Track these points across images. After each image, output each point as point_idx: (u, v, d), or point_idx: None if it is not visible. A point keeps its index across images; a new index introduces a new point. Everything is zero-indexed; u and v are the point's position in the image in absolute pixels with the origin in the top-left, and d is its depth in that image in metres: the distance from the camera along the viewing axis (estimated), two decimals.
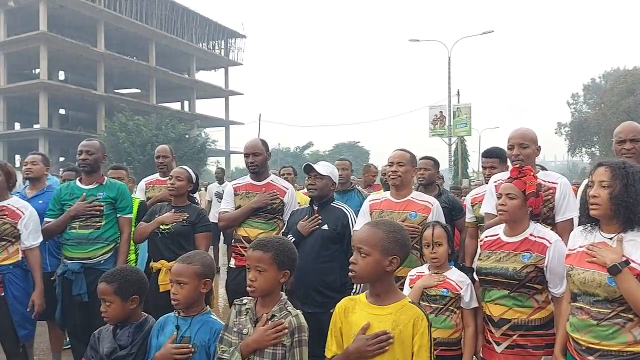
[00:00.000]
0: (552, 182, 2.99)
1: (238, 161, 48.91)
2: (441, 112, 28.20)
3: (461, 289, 2.69)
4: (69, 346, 4.38)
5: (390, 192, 3.32)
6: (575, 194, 3.01)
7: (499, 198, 2.56)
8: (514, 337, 2.44)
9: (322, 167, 3.50)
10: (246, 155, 3.89)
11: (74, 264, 3.61)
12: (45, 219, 3.72)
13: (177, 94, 44.09)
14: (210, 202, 9.44)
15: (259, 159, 3.85)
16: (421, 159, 4.21)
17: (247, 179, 3.96)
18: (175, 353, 2.16)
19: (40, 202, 3.97)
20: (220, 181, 9.88)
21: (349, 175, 5.34)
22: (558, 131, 47.53)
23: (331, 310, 3.18)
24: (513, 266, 2.44)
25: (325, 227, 3.38)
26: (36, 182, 4.30)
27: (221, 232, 8.35)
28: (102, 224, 3.69)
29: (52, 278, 3.77)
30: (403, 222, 3.05)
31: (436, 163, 4.40)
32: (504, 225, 2.61)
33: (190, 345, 2.19)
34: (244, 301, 2.16)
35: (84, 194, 3.71)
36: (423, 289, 2.70)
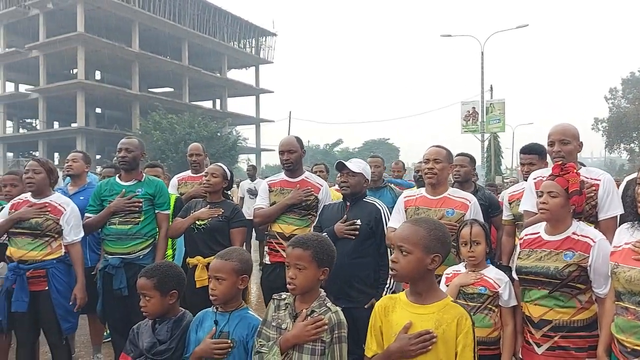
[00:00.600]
0: (595, 179, 2.90)
1: (268, 158, 49.31)
2: (474, 108, 27.73)
3: (499, 287, 2.64)
4: (109, 339, 4.50)
5: (425, 189, 3.27)
6: None
7: (540, 196, 2.49)
8: (556, 338, 2.38)
9: (355, 165, 3.48)
10: (281, 153, 3.91)
11: (115, 259, 3.69)
12: (86, 215, 3.82)
13: (209, 93, 44.66)
14: (242, 198, 9.53)
15: (293, 156, 3.87)
16: (457, 155, 4.15)
17: (282, 176, 3.98)
18: (214, 348, 2.19)
19: (82, 198, 4.09)
20: (252, 178, 9.97)
21: (381, 172, 5.30)
22: (595, 127, 46.21)
23: (365, 306, 3.22)
24: (555, 265, 2.38)
25: (359, 222, 3.36)
26: (77, 179, 4.43)
27: (253, 229, 8.42)
28: (141, 219, 3.77)
29: (92, 273, 3.87)
30: (440, 219, 3.01)
31: (472, 160, 4.33)
32: (544, 223, 2.54)
33: (229, 341, 2.21)
34: (283, 296, 2.17)
35: (123, 190, 3.80)
36: (460, 287, 2.66)
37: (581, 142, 3.05)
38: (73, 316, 3.59)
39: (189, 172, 5.09)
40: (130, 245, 3.73)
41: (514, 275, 2.61)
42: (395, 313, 1.92)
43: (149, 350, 2.29)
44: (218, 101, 46.00)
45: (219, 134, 31.04)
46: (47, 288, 3.45)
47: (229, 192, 4.18)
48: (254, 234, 9.33)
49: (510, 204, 3.79)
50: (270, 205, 3.86)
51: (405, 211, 3.23)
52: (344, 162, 3.48)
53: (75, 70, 35.68)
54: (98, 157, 36.24)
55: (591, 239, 2.38)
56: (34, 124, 41.09)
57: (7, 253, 3.51)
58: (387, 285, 3.31)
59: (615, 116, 43.48)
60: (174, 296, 2.40)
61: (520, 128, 43.34)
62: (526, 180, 3.63)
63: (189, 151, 5.10)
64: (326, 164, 6.90)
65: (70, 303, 3.50)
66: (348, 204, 3.50)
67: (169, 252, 4.39)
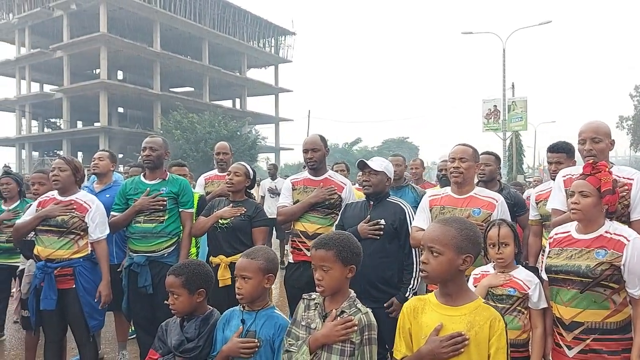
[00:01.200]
0: (628, 178, 2.82)
1: (287, 157, 49.45)
2: (495, 106, 27.40)
3: (529, 288, 2.58)
4: (134, 336, 4.55)
5: (451, 188, 3.22)
6: None
7: (571, 195, 2.44)
8: (587, 341, 2.33)
9: (377, 163, 3.44)
10: (305, 151, 3.90)
11: (139, 257, 3.73)
12: (112, 213, 3.86)
13: (229, 92, 44.96)
14: (263, 197, 9.57)
15: (317, 155, 3.85)
16: (482, 154, 4.08)
17: (305, 174, 3.97)
18: (242, 347, 2.19)
19: (107, 196, 4.14)
20: (273, 177, 10.01)
21: (402, 171, 5.25)
22: (620, 125, 45.33)
23: (384, 304, 3.19)
24: (586, 263, 2.32)
25: (383, 222, 3.32)
26: (103, 177, 4.49)
27: (274, 227, 8.44)
28: (165, 218, 3.80)
29: (118, 270, 3.91)
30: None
31: (497, 158, 4.27)
32: (575, 222, 2.48)
33: (256, 340, 2.20)
34: (313, 296, 2.16)
35: (148, 189, 3.83)
36: (489, 288, 2.62)
37: (613, 140, 2.98)
38: (99, 314, 3.61)
39: (215, 171, 5.13)
40: (155, 244, 3.76)
41: (543, 275, 2.56)
42: (425, 315, 1.89)
43: (177, 348, 2.30)
44: (238, 100, 46.26)
45: (238, 133, 31.21)
46: (74, 286, 3.47)
47: (251, 191, 4.19)
48: (274, 232, 9.36)
49: (537, 203, 3.72)
50: (294, 204, 3.85)
51: (430, 210, 3.18)
52: (365, 160, 3.44)
53: (98, 70, 36.18)
54: (120, 156, 36.64)
55: (625, 237, 2.32)
56: (58, 124, 41.82)
57: (35, 252, 3.56)
58: (410, 286, 3.27)
59: None
60: (202, 295, 2.40)
61: (543, 126, 42.77)
62: (553, 179, 3.56)
63: (215, 149, 5.14)
64: (346, 162, 6.88)
65: (96, 300, 3.52)
66: (371, 203, 3.46)
67: (193, 250, 4.41)
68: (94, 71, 38.64)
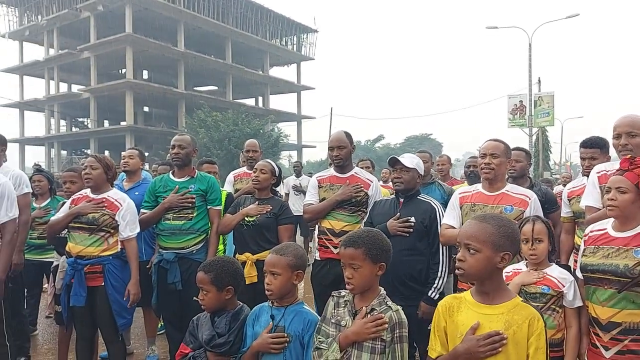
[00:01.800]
0: None
1: (309, 155, 49.48)
2: (521, 101, 26.94)
3: (563, 286, 2.52)
4: (162, 331, 4.61)
5: (482, 184, 3.16)
6: None
7: (607, 192, 2.36)
8: (626, 342, 2.25)
9: (408, 160, 3.39)
10: (330, 149, 3.88)
11: (169, 254, 3.77)
12: (141, 211, 3.90)
13: (251, 90, 45.24)
14: (287, 195, 9.59)
15: (343, 152, 3.83)
16: (512, 149, 4.01)
17: (331, 171, 3.95)
18: (272, 342, 2.19)
19: (136, 194, 4.19)
20: (298, 174, 10.04)
21: (429, 167, 5.19)
22: None
23: (417, 304, 3.16)
24: (624, 262, 2.25)
25: (413, 219, 3.28)
26: (132, 175, 4.56)
27: (298, 224, 8.46)
28: (194, 215, 3.83)
29: (147, 267, 3.96)
30: None
31: (528, 155, 4.17)
32: (611, 219, 2.41)
33: (286, 335, 2.21)
34: (342, 293, 2.14)
35: (177, 186, 3.87)
36: (521, 286, 2.57)
37: None
38: (128, 312, 3.60)
39: (244, 169, 5.16)
40: (183, 241, 3.80)
41: (578, 274, 2.50)
42: (460, 313, 1.85)
43: (208, 343, 2.32)
44: (260, 98, 46.53)
45: (261, 131, 31.39)
46: (103, 284, 3.48)
47: (277, 189, 4.20)
48: (298, 229, 9.37)
49: (570, 200, 3.63)
50: (320, 202, 3.84)
51: (460, 208, 3.13)
52: (397, 157, 3.40)
53: (123, 70, 36.82)
54: (146, 154, 37.20)
55: None
56: (85, 123, 42.68)
57: (67, 248, 3.61)
58: (435, 286, 3.23)
59: None
60: (230, 292, 2.42)
61: (570, 122, 41.89)
62: (586, 176, 3.47)
63: (245, 147, 5.18)
64: (371, 159, 6.86)
65: (125, 299, 3.52)
66: (401, 200, 3.43)
67: (220, 247, 4.45)
68: (120, 71, 39.31)
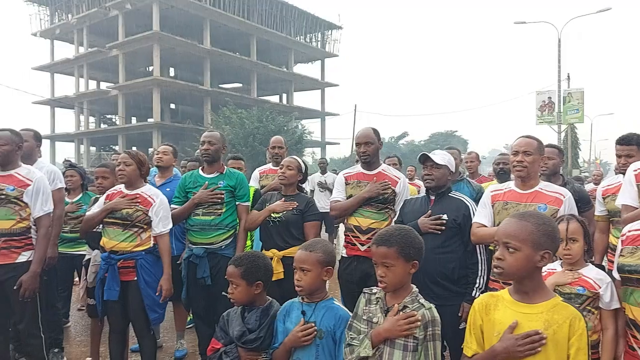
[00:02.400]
0: None
1: (333, 152, 49.46)
2: (550, 98, 26.40)
3: (600, 287, 2.46)
4: (191, 325, 4.67)
5: (514, 182, 3.10)
6: None
7: None
8: None
9: (439, 156, 3.33)
10: (358, 145, 3.85)
11: (198, 249, 3.81)
12: (172, 206, 3.94)
13: (276, 87, 45.38)
14: (312, 191, 9.60)
15: (371, 149, 3.79)
16: (545, 147, 3.93)
17: (358, 168, 3.92)
18: (302, 335, 2.19)
19: (168, 189, 4.26)
20: (323, 171, 10.04)
21: (458, 165, 5.13)
22: None
23: (449, 303, 3.11)
24: None
25: (445, 217, 3.23)
26: (164, 171, 4.63)
27: (322, 221, 8.47)
28: (223, 211, 3.86)
29: (177, 262, 4.01)
30: None
31: (561, 152, 4.07)
32: None
33: (313, 324, 2.21)
34: (374, 290, 2.14)
35: (206, 182, 3.91)
36: (556, 287, 2.51)
37: None
38: (160, 307, 3.64)
39: (270, 165, 5.18)
40: (213, 236, 3.83)
41: (615, 274, 2.43)
42: (498, 312, 1.82)
43: (239, 339, 2.33)
44: (285, 95, 46.64)
45: (285, 128, 31.46)
46: (135, 278, 3.52)
47: (303, 185, 4.21)
48: (323, 226, 9.38)
49: (604, 198, 3.54)
50: (347, 199, 3.82)
51: (492, 206, 3.07)
52: (427, 154, 3.35)
53: (151, 68, 37.32)
54: None
55: None
56: (113, 120, 43.45)
57: (101, 243, 3.67)
58: (477, 285, 3.16)
59: None
60: (260, 287, 2.42)
61: (600, 119, 40.91)
62: (622, 174, 3.38)
63: (271, 143, 5.19)
64: (398, 156, 6.82)
65: (157, 294, 3.55)
66: (432, 198, 3.38)
67: (248, 243, 4.47)
68: (147, 68, 39.86)
